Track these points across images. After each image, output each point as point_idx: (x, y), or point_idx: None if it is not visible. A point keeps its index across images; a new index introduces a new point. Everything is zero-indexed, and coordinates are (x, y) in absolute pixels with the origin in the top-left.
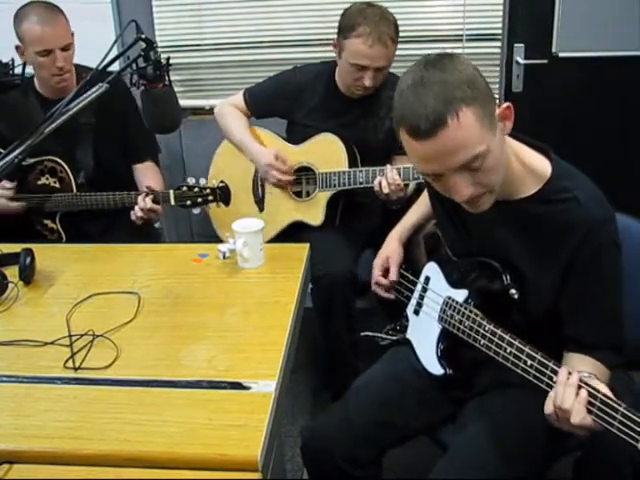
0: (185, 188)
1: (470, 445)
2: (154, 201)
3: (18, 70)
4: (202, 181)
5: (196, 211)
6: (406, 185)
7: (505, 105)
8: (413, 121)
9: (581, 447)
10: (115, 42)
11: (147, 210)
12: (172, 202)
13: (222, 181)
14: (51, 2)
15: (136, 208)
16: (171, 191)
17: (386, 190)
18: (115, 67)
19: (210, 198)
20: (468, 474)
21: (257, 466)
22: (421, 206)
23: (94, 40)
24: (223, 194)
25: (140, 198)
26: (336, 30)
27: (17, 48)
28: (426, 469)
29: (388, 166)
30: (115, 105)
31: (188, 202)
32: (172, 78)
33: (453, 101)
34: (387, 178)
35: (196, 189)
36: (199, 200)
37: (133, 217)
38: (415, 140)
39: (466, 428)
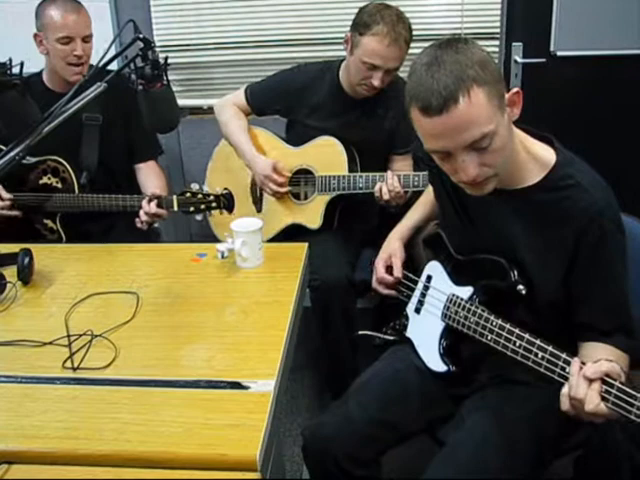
0: (189, 194)
1: (468, 440)
2: (158, 205)
3: (15, 70)
4: (205, 188)
5: (199, 217)
6: (406, 192)
7: (514, 90)
8: (425, 97)
9: (581, 446)
10: (113, 42)
11: (152, 215)
12: (175, 208)
13: (226, 188)
14: None
15: (141, 213)
16: (174, 197)
17: (386, 197)
18: (113, 67)
19: (213, 205)
20: (466, 469)
21: (256, 466)
22: (421, 207)
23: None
24: (227, 201)
25: (144, 202)
26: (348, 25)
27: (35, 36)
28: (424, 469)
29: (389, 172)
30: (121, 104)
31: (191, 208)
32: (170, 77)
33: (465, 79)
34: (387, 185)
35: (199, 195)
36: (202, 207)
37: (138, 223)
38: (426, 117)
39: (464, 423)
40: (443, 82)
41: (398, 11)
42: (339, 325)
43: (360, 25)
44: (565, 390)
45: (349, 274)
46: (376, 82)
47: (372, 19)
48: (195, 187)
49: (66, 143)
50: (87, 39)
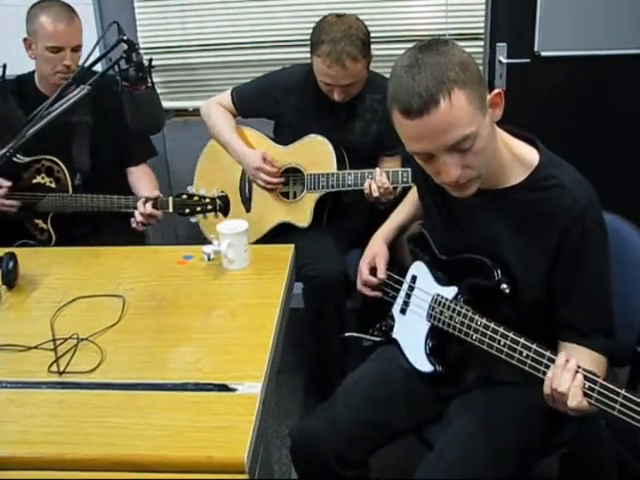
0: (185, 196)
1: (457, 441)
2: (154, 206)
3: None
4: (202, 191)
5: (194, 219)
6: (395, 188)
7: (495, 92)
8: (406, 99)
9: (567, 444)
10: (97, 44)
11: (147, 215)
12: (170, 209)
13: (222, 191)
14: (67, 3)
15: (136, 213)
16: (170, 198)
17: (376, 194)
18: (98, 69)
19: (209, 208)
20: (455, 470)
21: (244, 468)
22: (406, 207)
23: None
24: (223, 204)
25: (140, 203)
26: None
27: (25, 40)
28: (412, 468)
29: (377, 169)
30: (111, 105)
31: (187, 210)
32: (155, 79)
33: (446, 81)
34: (376, 182)
35: (196, 198)
36: (198, 209)
37: (133, 224)
38: (407, 119)
39: (452, 424)
40: (424, 84)
41: (349, 24)
42: (331, 320)
43: (311, 44)
44: (549, 374)
45: (344, 268)
46: (336, 97)
47: (318, 38)
48: (191, 190)
49: (58, 145)
50: (77, 49)
